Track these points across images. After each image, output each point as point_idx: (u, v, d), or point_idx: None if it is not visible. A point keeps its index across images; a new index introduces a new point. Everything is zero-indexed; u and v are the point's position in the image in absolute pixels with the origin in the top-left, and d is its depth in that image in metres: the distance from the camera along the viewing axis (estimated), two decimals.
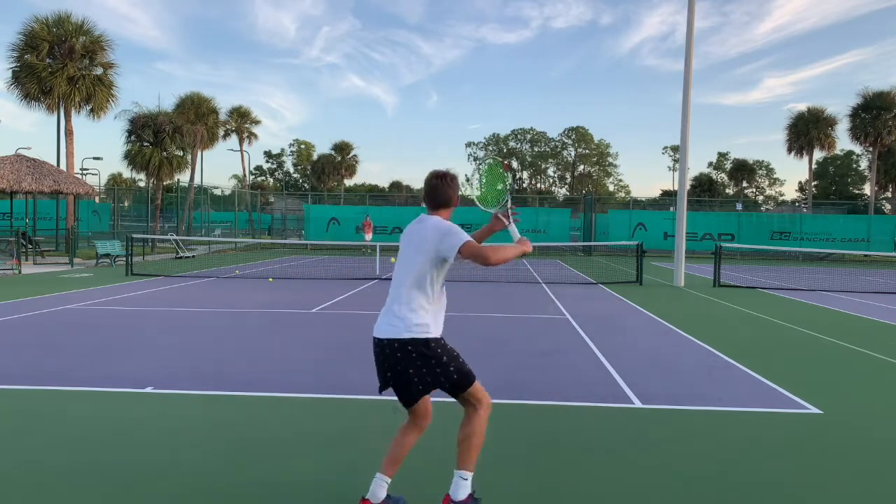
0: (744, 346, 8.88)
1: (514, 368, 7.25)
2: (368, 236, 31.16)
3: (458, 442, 3.51)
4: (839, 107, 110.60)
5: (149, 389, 6.08)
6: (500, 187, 3.95)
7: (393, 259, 3.69)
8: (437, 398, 3.72)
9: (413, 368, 3.35)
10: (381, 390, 3.57)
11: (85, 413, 5.39)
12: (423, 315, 3.39)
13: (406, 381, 3.39)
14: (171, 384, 6.27)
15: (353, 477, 4.09)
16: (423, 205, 3.68)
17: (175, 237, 28.12)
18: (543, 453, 4.60)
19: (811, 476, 4.32)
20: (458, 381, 3.42)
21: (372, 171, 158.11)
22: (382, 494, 3.48)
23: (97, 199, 40.58)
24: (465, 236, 3.37)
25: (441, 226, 3.44)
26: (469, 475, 3.47)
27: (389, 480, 3.53)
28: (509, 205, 3.89)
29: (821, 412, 5.76)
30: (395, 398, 3.50)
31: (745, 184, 76.30)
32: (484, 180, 4.03)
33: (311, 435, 4.90)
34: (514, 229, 3.80)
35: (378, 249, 21.66)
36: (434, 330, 3.41)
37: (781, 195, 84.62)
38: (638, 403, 5.94)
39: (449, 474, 3.59)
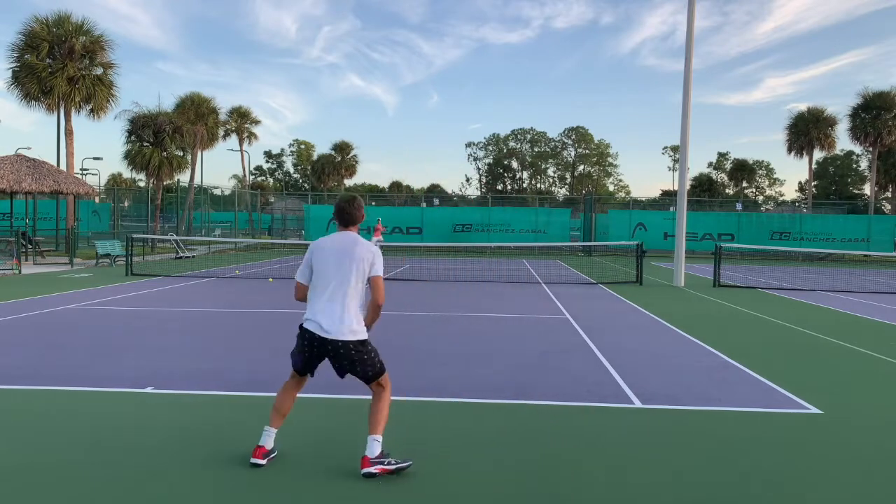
0: (744, 346, 8.88)
1: (514, 368, 7.25)
2: (378, 238, 31.35)
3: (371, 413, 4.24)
4: (840, 107, 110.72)
5: (149, 389, 6.08)
6: None
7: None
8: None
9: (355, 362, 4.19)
10: (305, 373, 4.39)
11: (85, 413, 5.40)
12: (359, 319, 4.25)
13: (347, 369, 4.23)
14: (171, 384, 6.27)
15: (352, 476, 4.10)
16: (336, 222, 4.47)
17: (175, 237, 28.11)
18: (543, 453, 4.60)
19: (811, 476, 4.32)
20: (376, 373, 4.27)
21: (372, 171, 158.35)
22: (271, 443, 4.31)
23: (97, 199, 40.58)
24: (381, 270, 4.31)
25: (371, 246, 4.31)
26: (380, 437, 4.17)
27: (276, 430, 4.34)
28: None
29: (821, 412, 5.76)
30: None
31: (745, 184, 76.32)
32: None
33: (310, 434, 4.90)
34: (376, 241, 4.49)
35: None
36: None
37: (781, 195, 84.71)
38: (638, 403, 5.94)
39: None
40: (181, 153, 33.59)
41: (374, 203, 47.93)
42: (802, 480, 4.23)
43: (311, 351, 4.26)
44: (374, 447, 4.10)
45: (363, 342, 4.21)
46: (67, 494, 3.79)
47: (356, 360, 4.17)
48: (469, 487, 3.97)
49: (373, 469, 4.02)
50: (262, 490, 3.89)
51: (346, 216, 4.39)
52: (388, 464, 4.07)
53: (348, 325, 4.16)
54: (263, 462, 4.21)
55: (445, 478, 4.11)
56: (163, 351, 7.94)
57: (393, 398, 5.91)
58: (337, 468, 4.23)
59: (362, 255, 4.23)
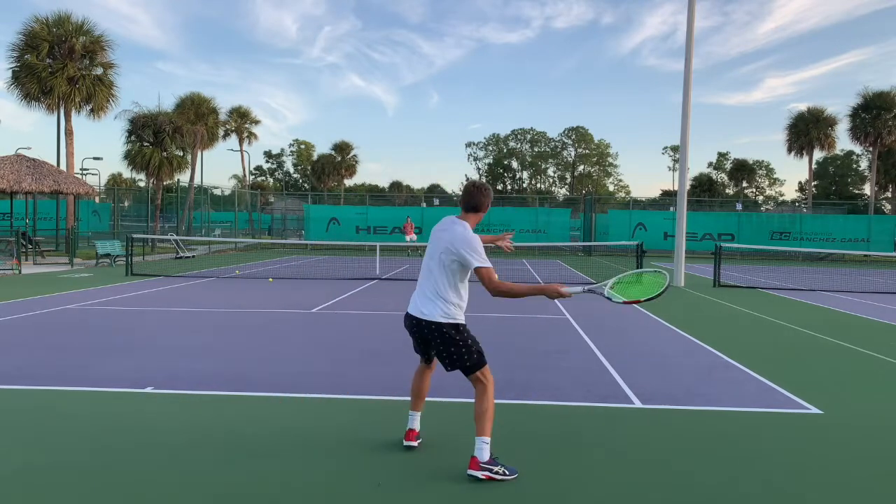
0: (744, 346, 8.88)
1: (514, 368, 7.24)
2: (411, 237, 31.53)
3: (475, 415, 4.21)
4: (840, 107, 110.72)
5: (149, 389, 6.08)
6: (631, 290, 4.50)
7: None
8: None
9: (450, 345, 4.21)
10: (422, 356, 4.55)
11: (85, 413, 5.39)
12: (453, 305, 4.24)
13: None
14: (172, 384, 6.27)
15: (352, 476, 4.10)
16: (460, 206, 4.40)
17: (175, 237, 28.10)
18: (543, 453, 4.60)
19: (811, 476, 4.32)
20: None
21: (372, 171, 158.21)
22: (418, 425, 4.61)
23: (97, 199, 40.56)
24: (484, 261, 4.12)
25: (464, 233, 4.18)
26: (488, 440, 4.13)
27: (420, 413, 4.63)
28: (600, 291, 4.48)
29: (821, 412, 5.76)
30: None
31: (745, 184, 76.32)
32: (636, 281, 4.61)
33: (311, 435, 4.90)
34: (570, 290, 4.19)
35: (378, 249, 21.66)
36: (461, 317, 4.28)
37: (781, 195, 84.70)
38: (638, 403, 5.94)
39: None
40: (181, 153, 33.57)
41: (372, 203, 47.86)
42: (802, 480, 4.23)
43: (412, 332, 4.35)
44: (480, 449, 4.08)
45: (455, 326, 4.19)
46: (67, 495, 3.79)
47: (443, 344, 4.17)
48: (468, 488, 3.97)
49: (478, 474, 4.03)
50: (267, 489, 3.88)
51: (466, 200, 4.34)
52: (496, 472, 4.05)
53: (434, 305, 4.20)
54: (416, 444, 4.52)
55: (445, 478, 4.11)
56: (163, 351, 7.94)
57: (392, 398, 5.94)
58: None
59: (447, 243, 4.19)
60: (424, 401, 4.67)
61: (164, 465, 4.24)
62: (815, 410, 5.81)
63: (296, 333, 9.50)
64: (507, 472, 4.09)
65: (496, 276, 4.10)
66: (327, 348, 8.39)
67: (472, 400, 4.25)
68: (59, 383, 6.25)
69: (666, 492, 3.98)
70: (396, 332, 9.73)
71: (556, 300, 4.14)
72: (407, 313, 4.37)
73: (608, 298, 4.40)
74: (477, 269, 4.12)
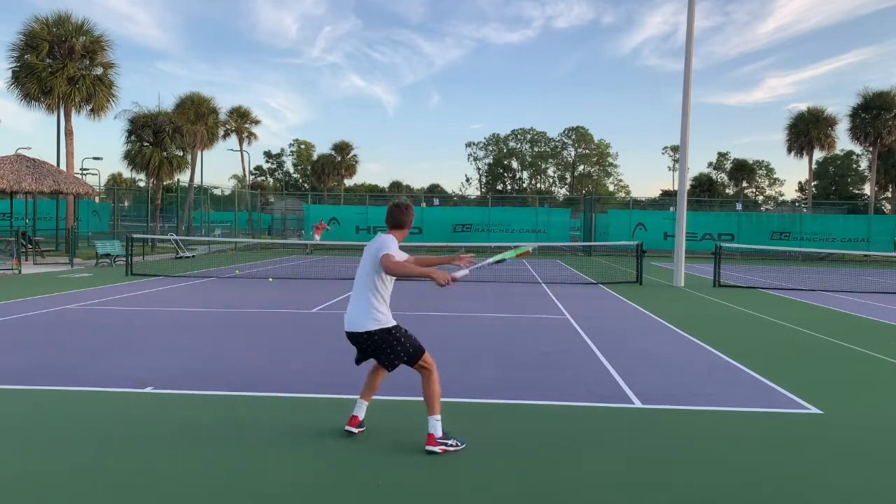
0: (744, 346, 8.88)
1: (514, 368, 7.25)
2: (317, 237, 32.11)
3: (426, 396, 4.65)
4: (840, 107, 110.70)
5: (149, 389, 6.07)
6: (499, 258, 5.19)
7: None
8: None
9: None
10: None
11: (85, 413, 5.39)
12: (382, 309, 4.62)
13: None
14: (171, 384, 6.27)
15: (353, 476, 4.10)
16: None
17: (175, 237, 28.09)
18: (543, 453, 4.60)
19: (811, 476, 4.32)
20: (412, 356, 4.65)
21: (372, 171, 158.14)
22: (363, 413, 4.87)
23: (97, 199, 40.56)
24: (389, 250, 4.47)
25: (381, 238, 4.68)
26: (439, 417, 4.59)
27: (367, 403, 4.90)
28: (480, 263, 5.02)
29: (821, 412, 5.76)
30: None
31: (745, 184, 76.32)
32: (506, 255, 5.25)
33: (311, 435, 4.90)
34: (460, 273, 4.68)
35: None
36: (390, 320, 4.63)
37: (781, 195, 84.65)
38: (638, 403, 5.94)
39: None
40: (181, 153, 33.58)
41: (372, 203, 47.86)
42: (802, 480, 4.23)
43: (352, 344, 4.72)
44: (434, 427, 4.53)
45: (384, 330, 4.57)
46: (65, 497, 3.78)
47: (377, 349, 4.59)
48: (469, 487, 3.97)
49: (435, 448, 4.48)
50: (268, 488, 3.88)
51: (389, 218, 4.81)
52: (450, 445, 4.52)
53: (362, 317, 4.57)
54: (356, 431, 4.77)
55: (445, 478, 4.11)
56: (163, 351, 7.94)
57: (393, 398, 5.94)
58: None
59: (370, 248, 4.63)
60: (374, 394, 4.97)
61: (164, 465, 4.24)
62: (815, 410, 5.81)
63: (296, 333, 9.49)
64: (458, 444, 4.55)
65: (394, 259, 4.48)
66: (327, 348, 8.38)
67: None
68: (59, 383, 6.25)
69: (666, 492, 3.97)
70: None
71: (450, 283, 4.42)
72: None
73: (495, 262, 5.08)
74: (382, 257, 4.47)
